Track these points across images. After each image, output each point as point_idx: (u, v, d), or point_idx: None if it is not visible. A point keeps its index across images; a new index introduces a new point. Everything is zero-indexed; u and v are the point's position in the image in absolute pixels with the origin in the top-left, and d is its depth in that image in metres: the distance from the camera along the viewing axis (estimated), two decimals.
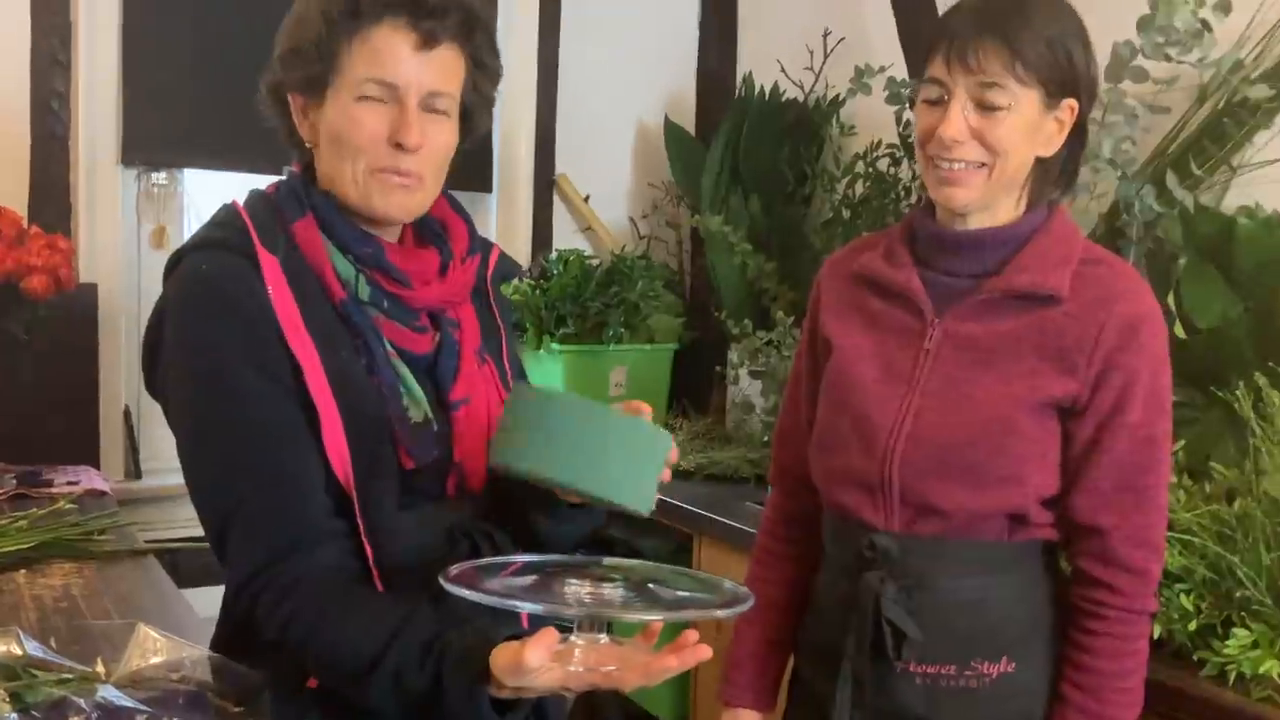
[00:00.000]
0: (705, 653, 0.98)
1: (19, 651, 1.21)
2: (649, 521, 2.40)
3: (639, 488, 1.10)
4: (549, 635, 0.96)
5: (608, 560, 1.14)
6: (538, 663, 0.95)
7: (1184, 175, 1.96)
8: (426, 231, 1.30)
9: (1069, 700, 1.34)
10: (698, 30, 3.33)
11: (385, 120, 1.17)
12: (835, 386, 1.45)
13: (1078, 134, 1.34)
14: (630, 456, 1.08)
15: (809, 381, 1.53)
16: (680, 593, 1.07)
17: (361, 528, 1.14)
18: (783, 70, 2.96)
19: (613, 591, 1.04)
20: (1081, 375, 1.30)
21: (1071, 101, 1.31)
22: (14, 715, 1.11)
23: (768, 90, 2.94)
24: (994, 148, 1.29)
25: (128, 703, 1.16)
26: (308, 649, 1.11)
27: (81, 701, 1.13)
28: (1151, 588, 1.33)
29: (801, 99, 2.93)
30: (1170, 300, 1.84)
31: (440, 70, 1.19)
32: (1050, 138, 1.32)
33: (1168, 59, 1.96)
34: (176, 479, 1.20)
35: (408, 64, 1.17)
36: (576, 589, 1.04)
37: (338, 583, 1.12)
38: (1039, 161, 1.34)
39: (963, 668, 1.35)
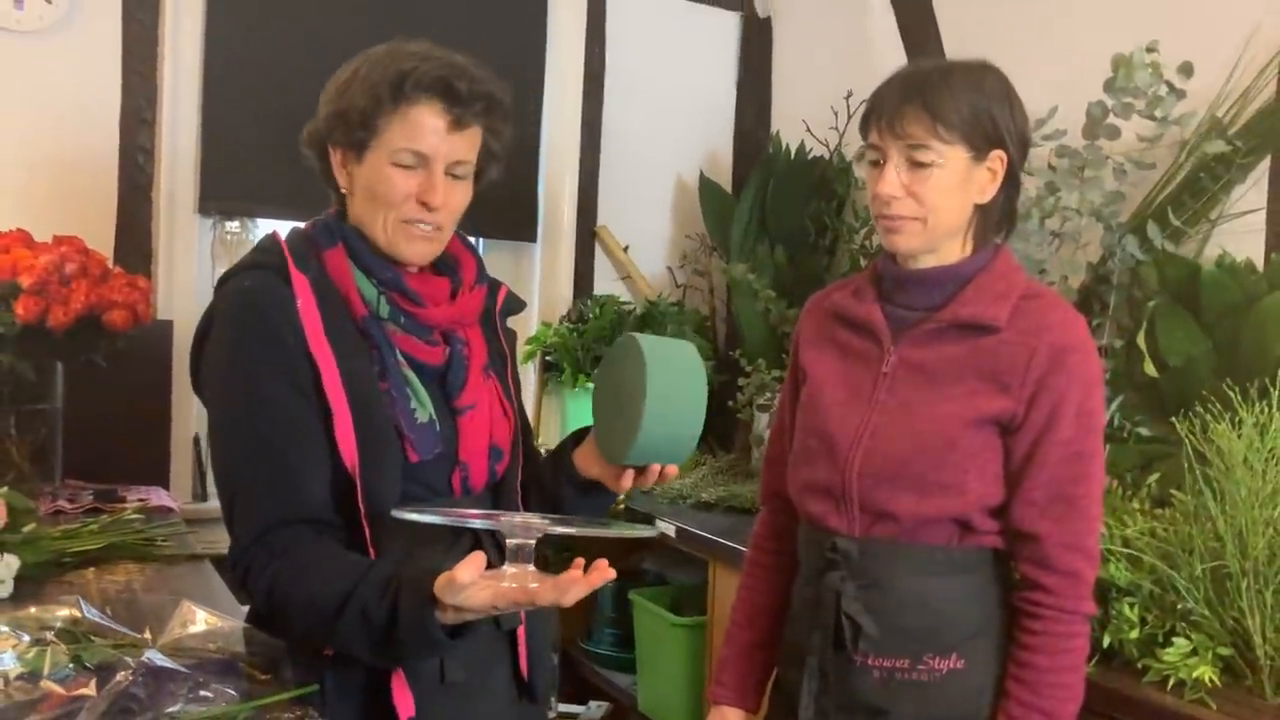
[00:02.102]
0: (609, 573, 1.14)
1: (79, 615, 1.41)
2: (677, 552, 2.57)
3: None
4: (478, 557, 1.13)
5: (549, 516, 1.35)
6: (468, 579, 1.11)
7: (1164, 226, 2.09)
8: (440, 263, 1.50)
9: (1011, 694, 1.46)
10: (735, 91, 3.53)
11: (414, 182, 1.39)
12: (807, 408, 1.61)
13: (1011, 181, 1.50)
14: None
15: (791, 408, 1.69)
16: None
17: (363, 512, 1.32)
18: (808, 130, 3.14)
19: (541, 520, 1.23)
20: (1016, 395, 1.44)
21: (999, 153, 1.46)
22: (71, 666, 1.30)
23: (793, 149, 3.12)
24: (924, 202, 1.45)
25: (169, 664, 1.35)
26: (290, 602, 1.29)
27: (130, 660, 1.33)
28: (1084, 590, 1.45)
29: (827, 156, 3.10)
30: (1141, 340, 1.97)
31: (463, 144, 1.41)
32: (984, 186, 1.48)
33: (1151, 118, 2.11)
34: None
35: (439, 140, 1.38)
36: (511, 517, 1.24)
37: (315, 544, 1.31)
38: (978, 208, 1.49)
39: (915, 662, 1.48)
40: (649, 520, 2.64)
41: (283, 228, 1.49)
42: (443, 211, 1.40)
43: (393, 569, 1.23)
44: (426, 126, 1.37)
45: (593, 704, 2.97)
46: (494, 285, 1.57)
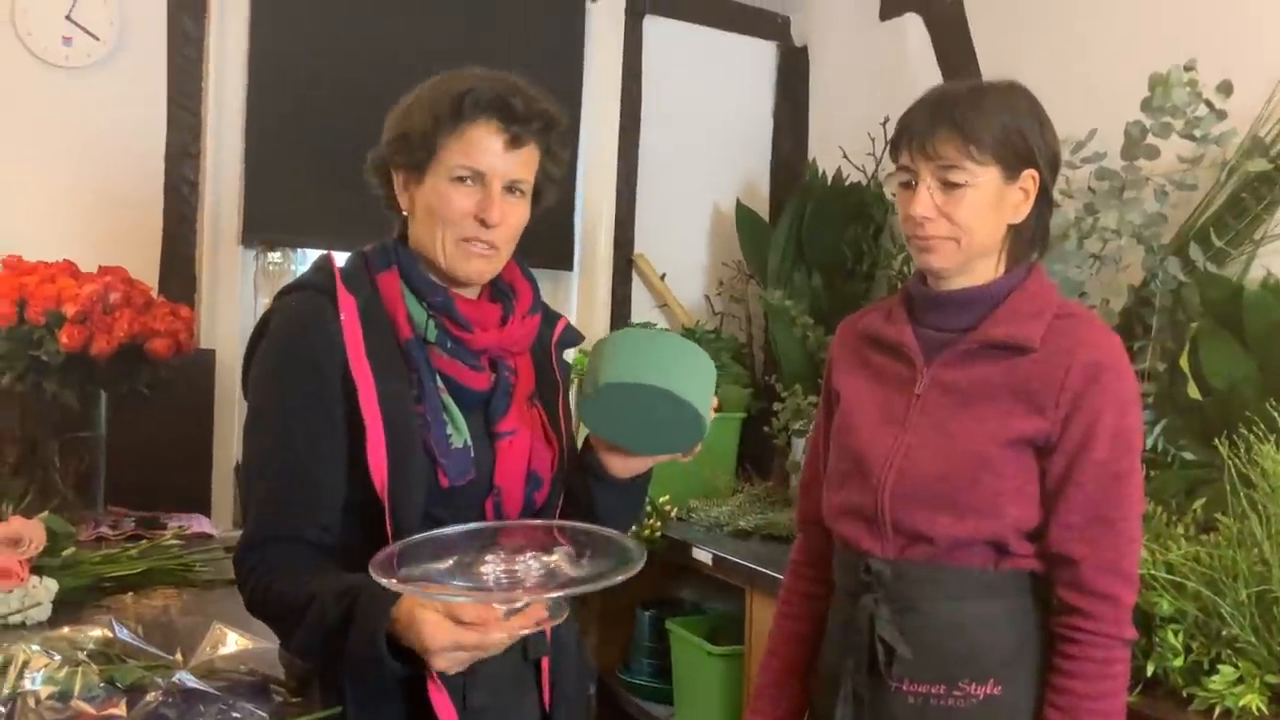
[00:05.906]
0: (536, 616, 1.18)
1: (111, 636, 1.42)
2: (715, 581, 2.55)
3: (699, 391, 1.34)
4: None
5: (547, 521, 1.37)
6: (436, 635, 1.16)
7: (1206, 247, 2.06)
8: (496, 290, 1.52)
9: None
10: (772, 120, 3.53)
11: (472, 199, 1.40)
12: (840, 431, 1.60)
13: (1044, 200, 1.48)
14: (691, 362, 1.35)
15: (825, 433, 1.67)
16: (585, 570, 1.23)
17: (389, 533, 1.32)
18: (845, 156, 3.13)
19: (524, 569, 1.21)
20: (1051, 415, 1.42)
21: (1032, 172, 1.45)
22: (102, 687, 1.31)
23: (830, 175, 3.11)
24: (959, 223, 1.44)
25: (200, 686, 1.35)
26: (268, 604, 1.32)
27: (160, 681, 1.33)
28: (1124, 614, 1.41)
29: (864, 183, 3.09)
30: (1184, 363, 1.93)
31: (521, 163, 1.42)
32: (1017, 206, 1.47)
33: (1191, 137, 2.08)
34: None
35: (496, 158, 1.40)
36: (493, 567, 1.21)
37: (307, 556, 1.33)
38: (1011, 228, 1.48)
39: (951, 688, 1.46)
40: (685, 548, 2.63)
41: None
42: (501, 229, 1.41)
43: (357, 580, 1.23)
44: (484, 144, 1.39)
45: None
46: (552, 316, 1.58)
